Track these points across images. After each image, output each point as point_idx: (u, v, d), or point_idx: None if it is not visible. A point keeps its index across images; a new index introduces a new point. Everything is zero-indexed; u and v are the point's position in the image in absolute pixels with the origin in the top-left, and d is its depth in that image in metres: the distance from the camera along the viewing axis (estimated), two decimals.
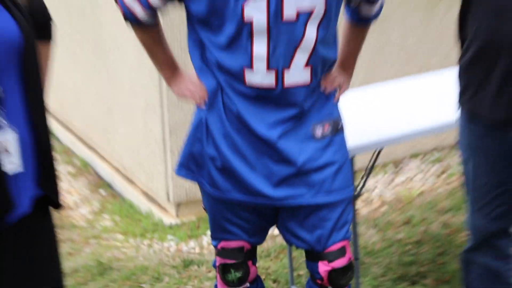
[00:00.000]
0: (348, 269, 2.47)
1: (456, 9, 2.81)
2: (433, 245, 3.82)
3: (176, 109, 4.14)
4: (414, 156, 5.24)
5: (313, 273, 2.48)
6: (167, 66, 2.55)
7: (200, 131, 2.40)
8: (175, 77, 2.52)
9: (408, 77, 4.57)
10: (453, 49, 4.87)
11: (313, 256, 2.45)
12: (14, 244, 1.95)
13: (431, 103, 3.44)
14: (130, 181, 4.85)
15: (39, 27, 2.08)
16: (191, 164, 2.46)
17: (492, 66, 2.37)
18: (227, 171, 2.35)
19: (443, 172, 4.95)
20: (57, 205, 2.09)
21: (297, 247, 2.53)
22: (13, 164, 1.87)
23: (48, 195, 2.04)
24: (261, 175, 2.35)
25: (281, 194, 2.36)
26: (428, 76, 4.17)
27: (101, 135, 5.31)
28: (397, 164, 5.13)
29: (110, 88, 4.95)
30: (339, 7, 2.35)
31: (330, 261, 2.41)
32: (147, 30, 2.43)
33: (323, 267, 2.43)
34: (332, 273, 2.42)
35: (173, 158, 4.20)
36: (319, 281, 2.47)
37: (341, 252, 2.43)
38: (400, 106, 3.43)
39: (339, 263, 2.42)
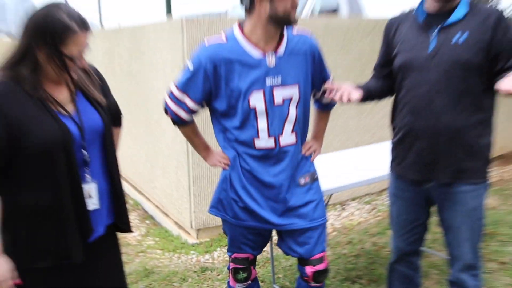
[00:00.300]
0: (326, 271, 2.50)
1: (380, 111, 2.83)
2: (367, 257, 3.81)
3: (197, 167, 4.13)
4: (353, 199, 5.20)
5: (302, 273, 2.50)
6: (202, 148, 2.57)
7: (225, 184, 2.42)
8: (208, 154, 2.55)
9: (348, 148, 4.65)
10: (382, 131, 4.93)
11: (303, 262, 2.47)
12: (93, 255, 1.95)
13: (365, 165, 3.50)
14: (166, 214, 4.80)
15: (114, 118, 2.10)
16: (219, 206, 2.47)
17: (412, 146, 2.37)
18: (246, 209, 2.39)
19: (372, 209, 4.91)
20: (127, 230, 2.10)
21: (292, 256, 2.52)
22: (94, 204, 1.89)
23: (116, 223, 2.05)
24: (268, 210, 2.38)
25: (282, 222, 2.40)
26: (363, 148, 4.25)
27: (147, 184, 5.27)
28: (343, 204, 5.09)
29: (153, 153, 4.93)
30: (309, 95, 2.41)
31: (314, 265, 2.45)
32: (188, 126, 2.47)
33: (309, 269, 2.45)
34: (315, 273, 2.46)
35: (195, 200, 4.19)
36: (306, 279, 2.49)
37: (321, 259, 2.46)
38: (345, 167, 3.51)
39: (320, 267, 2.46)
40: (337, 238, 4.24)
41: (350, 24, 4.87)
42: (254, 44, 2.22)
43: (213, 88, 2.26)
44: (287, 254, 2.51)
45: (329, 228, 4.50)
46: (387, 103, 5.16)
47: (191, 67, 2.26)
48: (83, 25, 1.73)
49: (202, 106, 2.37)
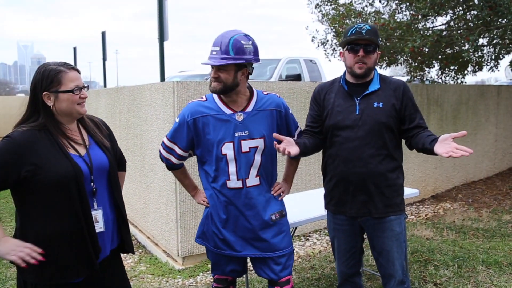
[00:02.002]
0: None
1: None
2: (327, 280, 3.82)
3: (184, 204, 4.13)
4: (315, 231, 5.22)
5: None
6: (191, 188, 2.60)
7: (207, 219, 2.45)
8: (196, 194, 2.58)
9: (310, 190, 4.69)
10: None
11: (272, 283, 2.47)
12: (101, 272, 1.97)
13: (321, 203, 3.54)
14: (156, 244, 4.74)
15: (119, 164, 2.19)
16: (203, 236, 2.49)
17: (347, 189, 2.47)
18: (224, 240, 2.39)
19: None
20: (130, 251, 2.12)
21: (264, 278, 2.52)
22: (100, 228, 1.94)
23: (120, 246, 2.09)
24: (242, 242, 2.40)
25: (254, 252, 2.41)
26: (322, 189, 4.30)
27: (140, 218, 5.21)
28: (306, 235, 5.10)
29: (146, 192, 4.90)
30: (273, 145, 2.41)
31: (281, 287, 2.45)
32: (179, 170, 2.54)
33: None
34: None
35: (181, 232, 4.16)
36: None
37: (288, 282, 2.46)
38: (308, 204, 3.55)
39: None
40: (301, 264, 4.24)
41: (309, 87, 5.02)
42: (226, 104, 2.32)
43: (194, 137, 2.34)
44: (259, 275, 2.53)
45: (294, 256, 4.48)
46: None
47: (177, 120, 2.37)
48: (69, 66, 1.91)
49: (190, 155, 2.44)
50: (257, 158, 2.34)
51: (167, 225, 4.39)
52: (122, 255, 2.21)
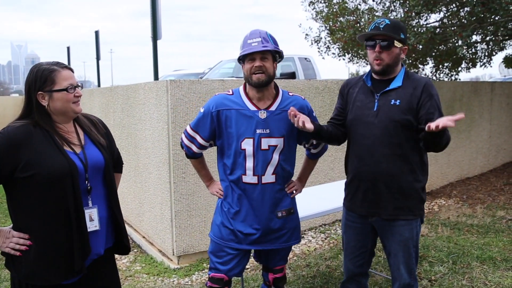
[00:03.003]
0: (284, 278, 2.58)
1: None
2: (322, 278, 3.81)
3: (178, 203, 4.11)
4: (310, 229, 5.22)
5: (265, 279, 2.58)
6: (207, 178, 2.63)
7: (217, 210, 2.51)
8: (210, 184, 2.61)
9: (306, 187, 4.70)
10: (333, 172, 4.99)
11: (266, 269, 2.57)
12: (93, 271, 1.97)
13: (319, 200, 3.53)
14: (151, 243, 4.73)
15: (115, 165, 2.18)
16: (213, 227, 2.53)
17: (358, 187, 2.44)
18: (233, 231, 2.43)
19: (326, 238, 4.93)
20: (126, 251, 2.12)
21: (260, 263, 2.62)
22: (95, 226, 1.93)
23: (116, 245, 2.08)
24: (251, 236, 2.43)
25: (259, 247, 2.46)
26: (318, 186, 4.29)
27: (135, 217, 5.20)
28: (301, 233, 5.05)
29: (141, 192, 4.89)
30: (294, 145, 2.47)
31: (274, 273, 2.54)
32: (197, 159, 2.58)
33: (271, 276, 2.55)
34: (274, 279, 2.55)
35: (176, 231, 4.15)
36: (267, 283, 2.57)
37: (281, 270, 2.56)
38: (303, 202, 3.54)
39: (279, 275, 2.56)
40: (296, 262, 4.24)
41: (304, 85, 5.02)
42: (250, 100, 2.36)
43: (217, 129, 2.38)
44: (257, 261, 2.63)
45: (290, 254, 4.49)
46: (336, 150, 5.30)
47: (202, 111, 2.41)
48: (62, 65, 1.91)
49: (211, 145, 2.48)
50: (275, 156, 2.38)
51: (162, 224, 4.38)
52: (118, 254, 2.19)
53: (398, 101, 2.30)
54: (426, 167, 2.43)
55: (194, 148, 2.48)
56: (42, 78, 1.84)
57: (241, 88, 2.42)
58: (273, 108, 2.37)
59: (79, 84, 1.92)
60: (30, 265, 1.82)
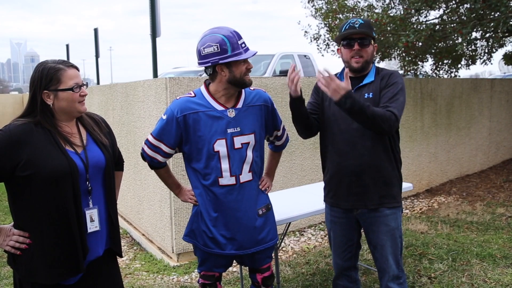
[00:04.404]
0: (271, 277, 2.54)
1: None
2: (321, 275, 3.82)
3: (178, 200, 4.10)
4: (310, 226, 5.22)
5: (253, 280, 2.53)
6: (175, 187, 2.56)
7: (196, 217, 2.41)
8: (180, 192, 2.54)
9: (305, 185, 4.70)
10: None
11: (253, 271, 2.51)
12: (94, 272, 1.95)
13: (318, 198, 3.51)
14: (151, 241, 4.74)
15: (117, 163, 2.17)
16: (192, 234, 2.45)
17: (340, 183, 2.49)
18: (213, 239, 2.37)
19: (326, 235, 4.90)
20: (119, 255, 2.08)
21: (245, 266, 2.55)
22: (95, 227, 1.91)
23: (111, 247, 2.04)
24: (232, 240, 2.37)
25: (243, 250, 2.40)
26: (317, 184, 4.28)
27: (135, 215, 5.20)
28: (301, 231, 5.10)
29: (140, 189, 4.89)
30: (263, 140, 2.45)
31: (262, 273, 2.50)
32: (163, 168, 2.48)
33: (259, 276, 2.50)
34: (263, 279, 2.50)
35: (176, 228, 4.16)
36: (256, 284, 2.52)
37: (268, 268, 2.51)
38: (302, 199, 3.54)
39: (267, 274, 2.51)
40: (296, 259, 4.24)
41: (303, 83, 4.98)
42: (216, 100, 2.30)
43: (184, 134, 2.29)
44: (241, 265, 2.57)
45: (289, 251, 4.51)
46: None
47: (164, 117, 2.30)
48: (68, 63, 1.88)
49: (176, 152, 2.40)
50: (249, 154, 2.34)
51: (162, 222, 4.38)
52: None
53: (371, 94, 2.40)
54: (399, 154, 2.54)
55: (160, 158, 2.37)
56: (47, 77, 1.81)
57: (203, 89, 2.33)
58: (239, 105, 2.32)
59: (85, 83, 1.89)
60: (30, 264, 1.81)
